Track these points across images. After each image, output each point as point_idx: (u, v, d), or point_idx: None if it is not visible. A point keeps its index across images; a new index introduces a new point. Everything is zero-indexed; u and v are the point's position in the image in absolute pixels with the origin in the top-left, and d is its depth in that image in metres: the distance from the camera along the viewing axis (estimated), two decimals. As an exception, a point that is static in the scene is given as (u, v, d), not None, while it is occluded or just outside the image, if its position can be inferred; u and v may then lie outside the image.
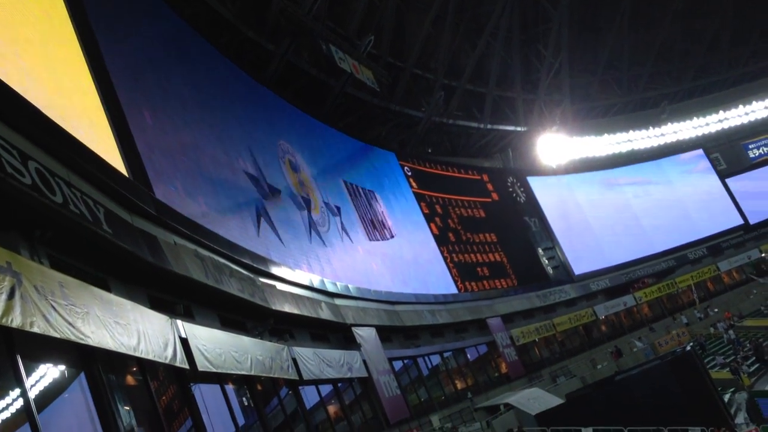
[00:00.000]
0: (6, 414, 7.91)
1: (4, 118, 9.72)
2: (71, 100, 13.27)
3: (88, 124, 13.40)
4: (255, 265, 18.69)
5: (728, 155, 58.41)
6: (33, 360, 8.54)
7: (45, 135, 10.69)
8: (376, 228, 31.66)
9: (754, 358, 36.56)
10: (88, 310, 9.02)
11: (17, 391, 7.94)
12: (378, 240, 31.24)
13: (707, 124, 57.39)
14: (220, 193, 19.59)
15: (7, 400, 7.95)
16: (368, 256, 29.59)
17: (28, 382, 8.06)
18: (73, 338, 8.37)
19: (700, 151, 58.18)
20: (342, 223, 28.57)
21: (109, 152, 13.63)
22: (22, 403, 7.90)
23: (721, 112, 57.26)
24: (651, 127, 55.99)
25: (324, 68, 31.39)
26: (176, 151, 17.98)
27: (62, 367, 9.31)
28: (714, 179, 57.45)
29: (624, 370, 30.67)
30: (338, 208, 28.93)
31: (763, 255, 54.11)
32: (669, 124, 56.50)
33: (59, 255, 10.31)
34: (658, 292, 49.12)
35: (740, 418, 25.28)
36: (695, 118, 57.03)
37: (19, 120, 10.09)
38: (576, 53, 48.91)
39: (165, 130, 17.78)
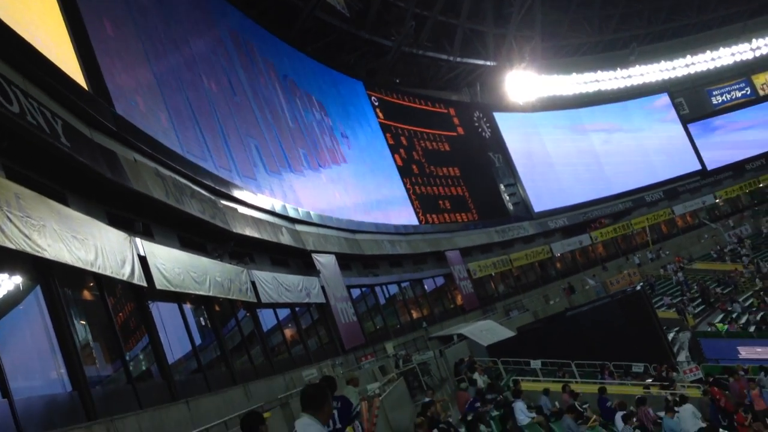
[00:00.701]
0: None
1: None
2: (28, 6, 12.73)
3: (47, 33, 12.90)
4: (217, 188, 18.54)
5: (692, 100, 58.95)
6: (-13, 271, 8.46)
7: (2, 42, 10.28)
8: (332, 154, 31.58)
9: (700, 299, 37.93)
10: (44, 223, 8.89)
11: (-29, 301, 7.89)
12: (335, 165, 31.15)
13: (674, 68, 57.66)
14: (183, 111, 19.20)
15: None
16: (331, 184, 29.54)
17: (-18, 293, 8.01)
18: (29, 250, 8.27)
19: (665, 95, 58.62)
20: (307, 146, 28.35)
21: (69, 63, 13.19)
22: (-24, 313, 7.87)
23: (688, 56, 57.49)
24: (619, 69, 56.09)
25: (293, -10, 30.53)
26: (138, 65, 17.47)
27: (18, 280, 9.22)
28: (676, 124, 58.14)
29: (575, 307, 31.63)
30: (304, 133, 28.67)
31: (717, 201, 55.49)
32: (636, 66, 56.62)
33: (15, 166, 10.08)
34: (613, 232, 50.29)
35: (682, 357, 26.41)
36: (662, 62, 57.22)
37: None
38: (550, -11, 48.36)
39: (127, 43, 17.22)
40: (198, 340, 15.55)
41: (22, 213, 8.39)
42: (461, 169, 42.53)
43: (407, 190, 36.66)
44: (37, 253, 8.47)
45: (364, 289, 29.29)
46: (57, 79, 11.87)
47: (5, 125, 9.36)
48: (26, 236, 8.27)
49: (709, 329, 30.94)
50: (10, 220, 8.03)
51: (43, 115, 10.49)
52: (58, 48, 13.10)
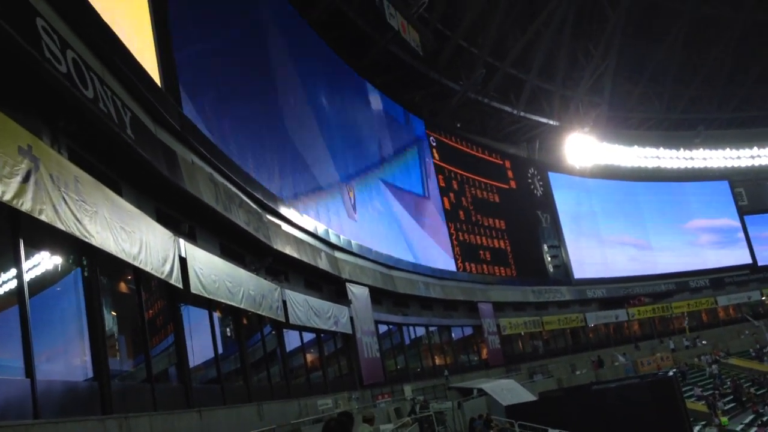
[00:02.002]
0: (-1, 291, 7.90)
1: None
2: (118, -2, 13.05)
3: (131, 24, 13.18)
4: (265, 201, 18.61)
5: (752, 193, 57.78)
6: (34, 247, 8.48)
7: (88, 26, 10.48)
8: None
9: (731, 396, 36.63)
10: (97, 210, 8.93)
11: (13, 272, 7.90)
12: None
13: (738, 158, 56.74)
14: (248, 121, 19.42)
15: (3, 277, 7.92)
16: (377, 215, 29.52)
17: (25, 266, 8.02)
18: (77, 234, 8.30)
19: (725, 183, 57.52)
20: (359, 172, 28.45)
21: (146, 57, 13.44)
22: (15, 285, 7.87)
23: (755, 148, 56.56)
24: (682, 149, 55.42)
25: (371, 20, 30.79)
26: (214, 71, 17.77)
27: (60, 260, 9.26)
28: (733, 214, 56.92)
29: (602, 381, 30.77)
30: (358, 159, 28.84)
31: (763, 298, 53.91)
32: (700, 149, 55.86)
33: (79, 149, 10.20)
34: (651, 312, 49.15)
35: (705, 452, 25.40)
36: (727, 149, 56.39)
37: (65, 5, 9.87)
38: (624, 59, 48.14)
39: (207, 47, 17.56)
40: (221, 350, 15.44)
41: (78, 197, 8.45)
42: (507, 222, 42.19)
43: (450, 234, 36.44)
44: (84, 238, 8.49)
45: (391, 326, 28.96)
46: (134, 71, 12.06)
47: (77, 108, 9.49)
48: (78, 220, 8.30)
49: (716, 421, 29.71)
50: (66, 202, 8.08)
51: (115, 104, 10.63)
52: (139, 41, 13.35)
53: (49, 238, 8.57)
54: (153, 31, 14.02)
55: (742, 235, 56.15)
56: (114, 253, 9.33)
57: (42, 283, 8.98)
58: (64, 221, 7.99)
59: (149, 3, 14.11)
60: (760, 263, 55.34)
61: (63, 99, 9.14)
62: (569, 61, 45.59)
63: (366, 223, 28.21)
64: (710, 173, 56.86)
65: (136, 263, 10.09)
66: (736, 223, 56.61)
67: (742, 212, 56.98)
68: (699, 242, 54.83)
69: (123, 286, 11.78)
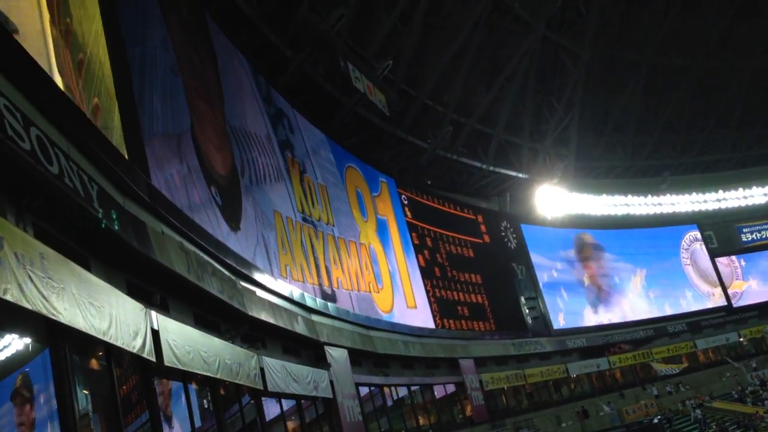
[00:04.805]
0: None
1: (12, 79, 9.53)
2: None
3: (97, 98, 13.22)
4: (239, 268, 18.45)
5: (721, 235, 58.52)
6: (-1, 328, 8.30)
7: (51, 103, 10.50)
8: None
9: (718, 440, 36.44)
10: (64, 286, 8.78)
11: (-23, 358, 7.69)
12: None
13: (705, 201, 57.58)
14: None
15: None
16: (352, 278, 29.38)
17: (-10, 350, 7.83)
18: (44, 312, 8.13)
19: (695, 227, 58.33)
20: (333, 235, 28.41)
21: (111, 128, 13.45)
22: (-20, 371, 7.65)
23: (720, 191, 57.49)
24: (649, 195, 56.17)
25: (338, 84, 31.34)
26: (180, 139, 17.81)
27: (28, 340, 9.03)
28: (704, 257, 57.56)
29: (588, 433, 30.50)
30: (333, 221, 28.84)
31: (741, 339, 54.12)
32: (668, 195, 56.69)
33: (44, 225, 10.08)
34: (632, 359, 48.97)
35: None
36: (694, 194, 57.23)
37: (27, 83, 9.90)
38: (587, 110, 49.20)
39: (171, 117, 17.63)
40: (198, 423, 15.04)
41: (44, 274, 8.30)
42: (483, 277, 42.18)
43: (427, 292, 36.32)
44: (52, 316, 8.31)
45: (373, 388, 28.51)
46: (100, 145, 12.05)
47: (42, 185, 9.43)
48: (44, 298, 8.15)
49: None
50: (31, 280, 7.94)
51: (81, 178, 10.57)
52: (104, 110, 13.37)
53: (15, 318, 8.38)
54: (118, 102, 14.05)
55: (714, 277, 56.68)
56: (83, 329, 9.12)
57: (10, 367, 8.75)
58: (30, 300, 7.83)
59: (114, 77, 14.19)
60: (735, 305, 55.76)
61: (27, 176, 9.08)
62: (534, 114, 46.48)
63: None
64: (679, 218, 57.58)
65: (106, 339, 9.87)
66: (708, 265, 57.17)
67: (713, 255, 57.66)
68: (674, 287, 55.16)
69: (94, 363, 11.49)
